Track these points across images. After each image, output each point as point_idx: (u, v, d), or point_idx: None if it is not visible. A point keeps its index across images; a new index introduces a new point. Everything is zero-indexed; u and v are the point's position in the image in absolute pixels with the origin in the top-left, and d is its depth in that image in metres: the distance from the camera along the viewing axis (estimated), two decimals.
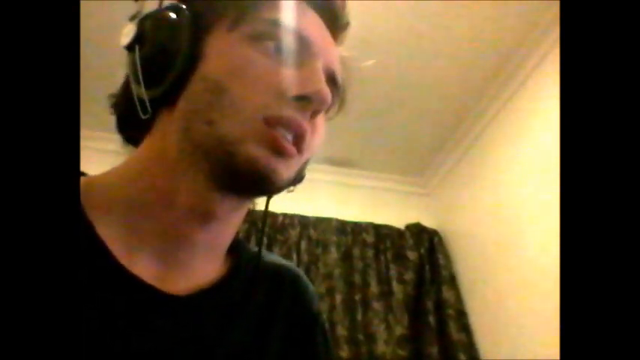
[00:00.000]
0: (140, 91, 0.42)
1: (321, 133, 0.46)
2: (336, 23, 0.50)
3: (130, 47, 0.43)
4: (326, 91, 0.41)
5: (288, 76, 0.41)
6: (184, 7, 0.44)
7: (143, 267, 0.40)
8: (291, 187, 0.50)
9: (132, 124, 0.45)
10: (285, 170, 0.41)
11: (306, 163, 0.49)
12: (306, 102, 0.41)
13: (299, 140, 0.41)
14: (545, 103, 1.73)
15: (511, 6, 1.66)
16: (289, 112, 0.40)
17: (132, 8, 0.45)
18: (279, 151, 0.40)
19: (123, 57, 0.45)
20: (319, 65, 0.43)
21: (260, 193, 0.47)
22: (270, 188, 0.42)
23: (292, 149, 0.41)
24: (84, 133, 1.97)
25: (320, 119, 0.45)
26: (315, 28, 0.46)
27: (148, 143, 0.45)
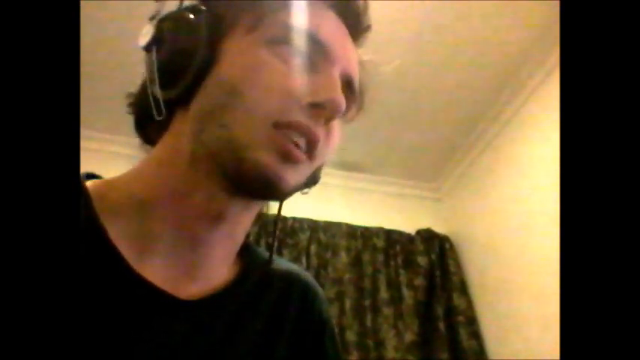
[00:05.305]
0: (156, 92, 0.42)
1: (336, 138, 0.45)
2: (357, 26, 0.49)
3: (147, 48, 0.43)
4: (340, 99, 0.40)
5: (303, 82, 0.41)
6: (203, 8, 0.44)
7: (154, 271, 0.41)
8: (306, 190, 0.49)
9: (149, 123, 0.45)
10: (293, 177, 0.41)
11: (321, 167, 0.49)
12: (320, 109, 0.41)
13: (311, 146, 0.41)
14: (557, 109, 1.72)
15: (523, 12, 1.65)
16: (301, 118, 0.40)
17: (147, 10, 0.45)
18: (287, 158, 0.39)
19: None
20: (336, 72, 0.43)
21: (268, 198, 0.47)
22: (277, 194, 0.42)
23: (301, 156, 0.40)
24: (103, 136, 2.00)
25: (335, 124, 0.44)
26: (335, 32, 0.45)
27: (163, 144, 0.45)
